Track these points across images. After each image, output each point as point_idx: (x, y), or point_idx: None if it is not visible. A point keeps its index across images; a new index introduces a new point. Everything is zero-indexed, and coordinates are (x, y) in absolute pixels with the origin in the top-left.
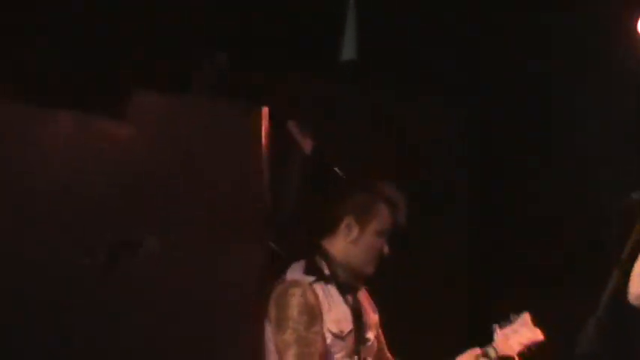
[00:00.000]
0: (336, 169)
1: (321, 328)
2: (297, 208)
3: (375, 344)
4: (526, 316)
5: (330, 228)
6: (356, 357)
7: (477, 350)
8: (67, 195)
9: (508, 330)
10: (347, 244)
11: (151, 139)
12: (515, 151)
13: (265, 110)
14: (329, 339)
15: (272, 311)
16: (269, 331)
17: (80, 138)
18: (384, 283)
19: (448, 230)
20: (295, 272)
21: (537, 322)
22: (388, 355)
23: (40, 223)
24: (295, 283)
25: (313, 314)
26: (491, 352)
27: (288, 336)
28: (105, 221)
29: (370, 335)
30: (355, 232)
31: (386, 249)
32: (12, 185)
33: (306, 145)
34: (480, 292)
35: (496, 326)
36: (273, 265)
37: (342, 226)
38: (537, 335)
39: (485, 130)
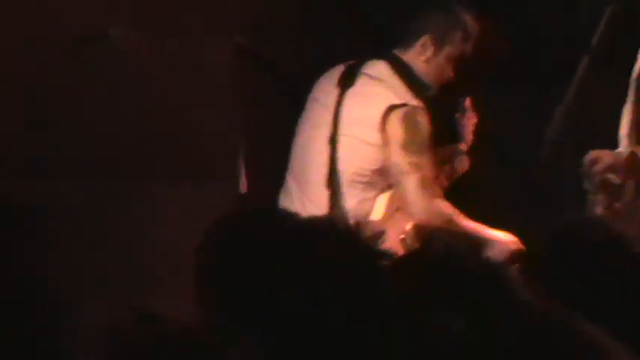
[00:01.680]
0: None
1: None
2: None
3: None
4: (469, 100)
5: (404, 42)
6: None
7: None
8: None
9: (465, 119)
10: (420, 63)
11: None
12: None
13: None
14: None
15: (398, 131)
16: (376, 144)
17: None
18: None
19: None
20: (402, 92)
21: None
22: None
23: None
24: (421, 109)
25: (430, 142)
26: (463, 147)
27: (417, 160)
28: (72, 14)
29: None
30: (430, 52)
31: (451, 75)
32: None
33: None
34: None
35: (458, 115)
36: (242, 58)
37: (419, 43)
38: (475, 117)
39: None
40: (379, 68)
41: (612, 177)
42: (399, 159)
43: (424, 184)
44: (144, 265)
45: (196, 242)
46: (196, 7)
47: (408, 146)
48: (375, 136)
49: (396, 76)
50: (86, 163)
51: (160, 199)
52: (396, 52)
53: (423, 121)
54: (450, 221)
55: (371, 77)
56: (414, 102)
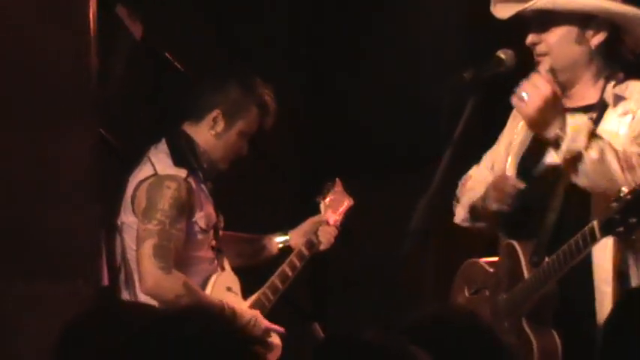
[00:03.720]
0: (166, 54)
1: (185, 225)
2: (125, 94)
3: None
4: (338, 182)
5: (195, 115)
6: (213, 245)
7: (312, 220)
8: None
9: (329, 200)
10: (209, 136)
11: None
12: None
13: None
14: (198, 234)
15: (142, 201)
16: (132, 221)
17: None
18: None
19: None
20: (163, 163)
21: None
22: (230, 233)
23: None
24: (171, 177)
25: (182, 210)
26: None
27: (153, 226)
28: None
29: (221, 222)
30: (220, 126)
31: (245, 150)
32: None
33: (136, 29)
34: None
35: (320, 198)
36: (104, 152)
37: (209, 117)
38: (349, 200)
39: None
40: (158, 146)
41: (484, 264)
42: (138, 225)
43: (158, 253)
44: None
45: (54, 339)
46: (54, 101)
47: (146, 212)
48: (132, 217)
49: (167, 152)
50: None
51: (16, 297)
52: (187, 125)
53: (173, 189)
54: (181, 297)
55: (147, 158)
56: (173, 172)
